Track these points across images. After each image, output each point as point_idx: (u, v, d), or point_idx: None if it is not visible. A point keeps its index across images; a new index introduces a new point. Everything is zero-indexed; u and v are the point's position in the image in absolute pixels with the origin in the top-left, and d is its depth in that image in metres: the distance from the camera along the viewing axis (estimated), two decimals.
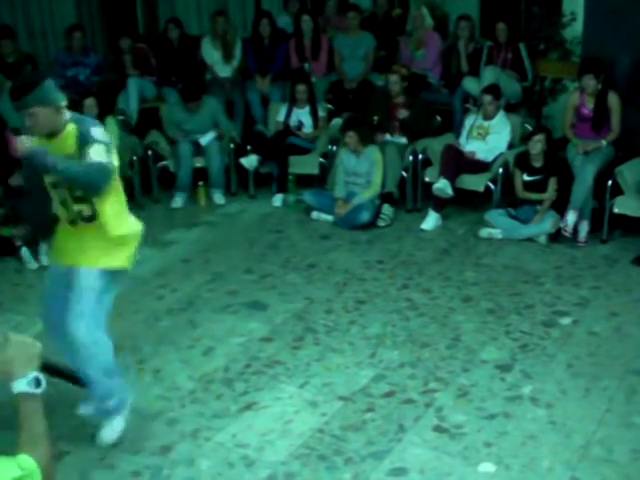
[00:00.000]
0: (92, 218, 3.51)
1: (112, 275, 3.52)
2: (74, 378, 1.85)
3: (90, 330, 3.41)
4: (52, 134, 3.37)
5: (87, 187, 3.35)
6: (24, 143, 3.29)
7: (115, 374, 3.57)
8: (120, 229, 3.56)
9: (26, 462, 1.57)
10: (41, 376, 1.71)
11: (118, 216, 3.59)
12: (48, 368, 1.76)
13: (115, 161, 3.42)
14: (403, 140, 6.75)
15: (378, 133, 6.69)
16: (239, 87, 7.76)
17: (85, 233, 3.53)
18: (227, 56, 7.75)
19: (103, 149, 3.29)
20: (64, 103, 3.36)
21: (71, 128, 3.36)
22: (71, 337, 3.40)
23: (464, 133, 6.56)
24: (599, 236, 5.87)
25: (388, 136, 6.74)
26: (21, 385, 1.67)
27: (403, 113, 6.74)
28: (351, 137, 6.32)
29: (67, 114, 3.38)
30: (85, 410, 3.62)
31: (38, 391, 1.69)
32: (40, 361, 1.74)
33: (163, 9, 9.16)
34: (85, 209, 3.50)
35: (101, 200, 3.45)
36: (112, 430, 3.60)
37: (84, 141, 3.29)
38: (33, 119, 3.30)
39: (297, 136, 7.03)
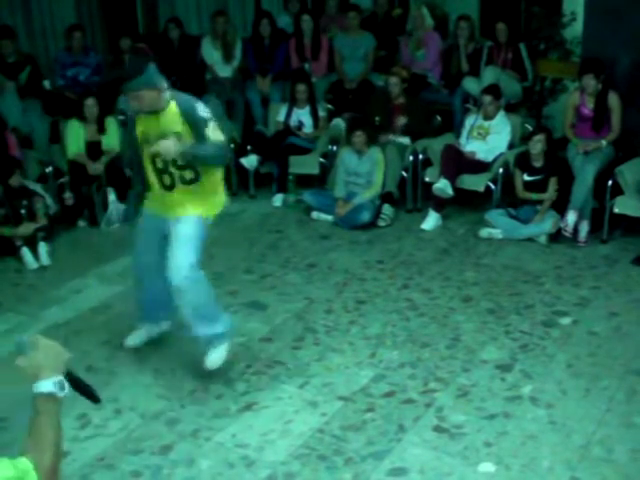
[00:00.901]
0: (193, 181, 3.89)
1: (205, 223, 3.93)
2: (92, 394, 1.88)
3: (193, 270, 3.83)
4: (155, 112, 3.77)
5: (215, 164, 3.87)
6: (171, 146, 3.69)
7: (216, 308, 3.99)
8: (217, 189, 4.00)
9: (22, 463, 1.57)
10: (65, 382, 1.74)
11: (219, 182, 4.00)
12: (71, 379, 1.78)
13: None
14: (406, 141, 6.75)
15: (382, 134, 6.69)
16: (239, 87, 7.76)
17: (184, 193, 3.90)
18: (227, 56, 7.75)
19: (215, 126, 3.74)
20: (165, 85, 3.77)
21: (173, 105, 3.77)
22: (173, 279, 3.81)
23: (464, 133, 6.56)
24: (599, 236, 5.87)
25: (391, 136, 6.73)
26: (47, 385, 1.69)
27: (402, 120, 6.74)
28: (359, 136, 6.32)
29: (167, 93, 3.78)
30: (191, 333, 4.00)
31: (61, 394, 1.71)
32: (66, 370, 1.76)
33: (163, 9, 9.15)
34: (187, 173, 3.88)
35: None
36: (217, 356, 3.99)
37: (191, 119, 3.72)
38: (139, 100, 3.71)
39: (297, 136, 7.03)
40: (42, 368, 1.72)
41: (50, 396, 1.69)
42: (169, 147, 3.68)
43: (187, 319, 3.96)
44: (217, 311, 4.01)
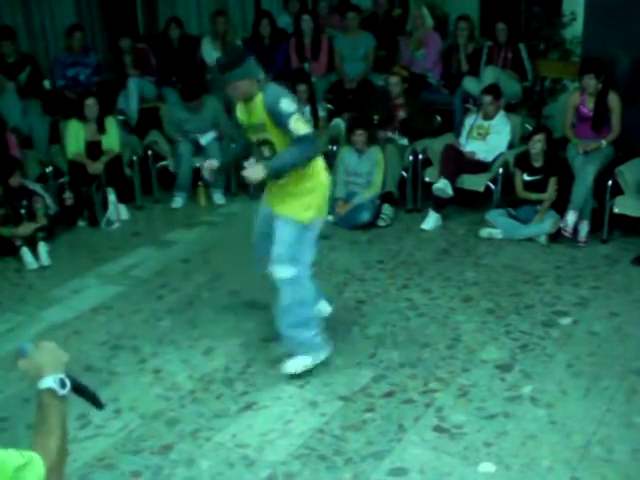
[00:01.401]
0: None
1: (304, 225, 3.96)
2: (95, 399, 1.92)
3: (285, 269, 3.95)
4: (246, 100, 3.92)
5: (304, 163, 3.87)
6: (255, 173, 3.83)
7: (308, 316, 4.06)
8: (311, 180, 3.97)
9: (27, 452, 1.62)
10: (67, 379, 1.80)
11: (305, 177, 3.96)
12: (74, 382, 1.84)
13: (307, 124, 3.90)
14: (404, 141, 6.75)
15: (380, 130, 6.69)
16: None
17: (284, 186, 3.97)
18: None
19: (298, 118, 3.78)
20: (262, 76, 3.97)
21: (260, 96, 3.86)
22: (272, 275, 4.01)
23: (464, 133, 6.56)
24: (599, 236, 5.87)
25: (390, 133, 6.73)
26: (48, 381, 1.76)
27: (402, 114, 6.74)
28: (360, 135, 6.32)
29: (260, 83, 3.95)
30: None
31: (62, 392, 1.78)
32: (67, 373, 1.83)
33: (163, 9, 9.15)
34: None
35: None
36: (296, 363, 4.06)
37: (273, 111, 3.78)
38: (235, 90, 3.88)
39: None
40: (43, 368, 1.79)
41: (52, 392, 1.76)
42: (253, 174, 3.83)
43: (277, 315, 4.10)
44: (308, 319, 4.05)
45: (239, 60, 3.87)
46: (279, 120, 3.79)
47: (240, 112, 4.06)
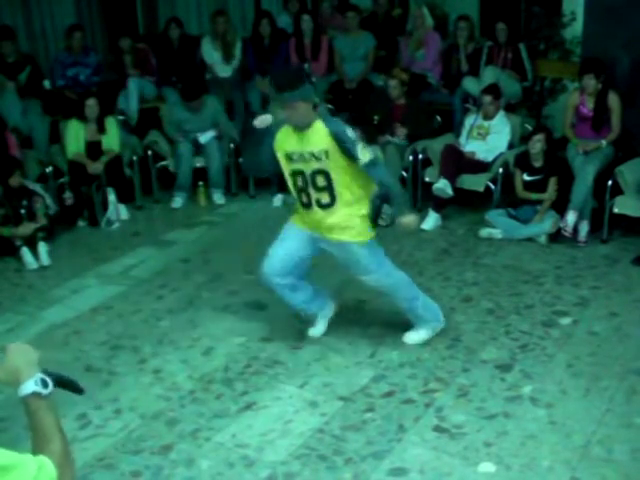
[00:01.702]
0: (329, 205, 3.97)
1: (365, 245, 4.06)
2: (74, 386, 1.86)
3: (382, 278, 4.20)
4: (302, 128, 3.86)
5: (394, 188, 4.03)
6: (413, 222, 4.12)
7: (419, 295, 4.34)
8: (360, 211, 4.03)
9: (38, 458, 1.57)
10: (47, 377, 1.73)
11: (358, 201, 4.01)
12: (50, 375, 1.77)
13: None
14: (403, 142, 6.75)
15: (380, 135, 6.68)
16: (239, 87, 7.76)
17: (324, 215, 4.01)
18: (227, 56, 7.75)
19: (364, 146, 3.84)
20: (318, 102, 3.93)
21: (320, 124, 3.83)
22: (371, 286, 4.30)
23: (464, 133, 6.56)
24: (599, 236, 5.87)
25: (389, 137, 6.73)
26: (29, 386, 1.69)
27: (402, 132, 6.72)
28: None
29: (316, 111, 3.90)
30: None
31: (47, 391, 1.71)
32: (41, 368, 1.75)
33: (163, 9, 9.16)
34: (324, 197, 3.96)
35: (343, 188, 3.94)
36: (416, 335, 4.41)
37: (341, 139, 3.78)
38: (293, 111, 3.79)
39: None
40: (19, 372, 1.71)
41: (36, 395, 1.69)
42: (413, 223, 4.05)
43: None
44: (418, 300, 4.32)
45: (300, 79, 3.82)
46: (347, 146, 3.78)
47: (285, 140, 3.96)
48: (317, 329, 4.55)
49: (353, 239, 4.02)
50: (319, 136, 3.83)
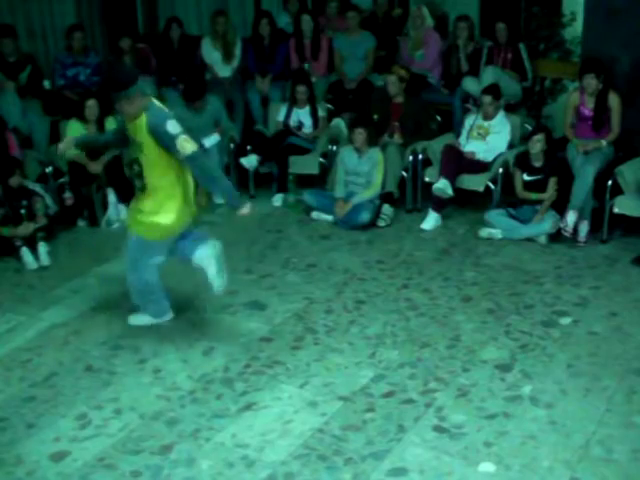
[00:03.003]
0: (143, 189, 4.22)
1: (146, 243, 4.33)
2: None
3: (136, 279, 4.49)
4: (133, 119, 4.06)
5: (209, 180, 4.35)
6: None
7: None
8: (164, 209, 4.26)
9: None
10: None
11: (168, 201, 4.27)
12: None
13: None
14: (399, 141, 6.75)
15: (379, 135, 6.68)
16: (239, 87, 7.76)
17: (136, 203, 4.34)
18: (227, 56, 7.75)
19: (185, 139, 3.98)
20: (145, 95, 4.06)
21: (143, 117, 4.00)
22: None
23: (464, 133, 6.56)
24: (599, 236, 5.87)
25: (387, 138, 6.73)
26: None
27: (397, 139, 6.73)
28: (360, 134, 6.32)
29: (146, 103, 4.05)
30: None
31: None
32: None
33: (163, 9, 9.16)
34: (137, 181, 4.22)
35: (154, 177, 4.15)
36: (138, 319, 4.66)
37: (157, 133, 3.97)
38: (120, 107, 4.05)
39: (297, 136, 7.03)
40: None
41: None
42: (248, 213, 4.33)
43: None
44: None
45: (134, 76, 4.08)
46: (163, 141, 3.98)
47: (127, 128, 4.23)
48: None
49: (136, 230, 4.34)
50: (140, 128, 4.04)
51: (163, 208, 4.21)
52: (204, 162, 4.24)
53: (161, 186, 4.17)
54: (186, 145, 3.95)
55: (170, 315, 4.71)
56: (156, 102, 4.12)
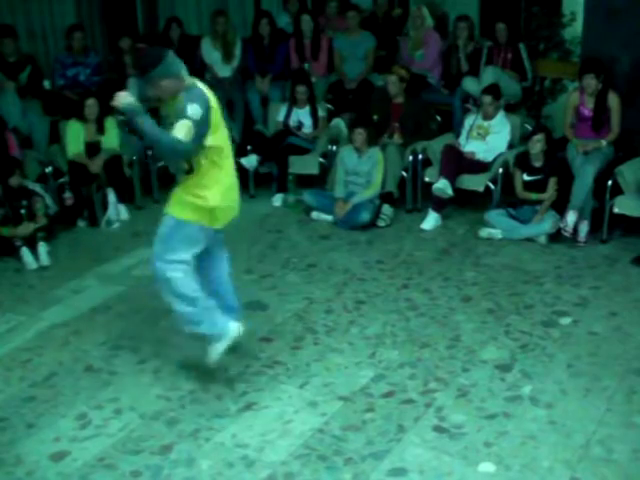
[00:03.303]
0: (188, 172, 3.92)
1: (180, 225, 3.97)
2: None
3: (163, 266, 3.95)
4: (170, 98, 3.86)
5: (162, 155, 4.02)
6: (122, 98, 3.83)
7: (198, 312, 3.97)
8: (204, 191, 3.91)
9: None
10: None
11: (209, 185, 3.91)
12: None
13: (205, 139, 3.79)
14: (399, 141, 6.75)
15: (380, 137, 6.68)
16: (239, 87, 7.76)
17: (179, 187, 4.02)
18: (227, 56, 7.75)
19: (184, 125, 3.67)
20: (182, 75, 3.81)
21: (181, 97, 3.78)
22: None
23: (464, 133, 6.56)
24: (599, 236, 5.87)
25: (387, 139, 6.73)
26: None
27: (397, 139, 6.73)
28: (360, 134, 6.33)
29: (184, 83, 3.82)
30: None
31: None
32: None
33: (163, 9, 9.16)
34: (183, 164, 3.92)
35: (197, 160, 3.86)
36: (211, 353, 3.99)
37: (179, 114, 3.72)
38: (157, 89, 3.83)
39: (297, 136, 7.04)
40: None
41: None
42: (121, 96, 3.85)
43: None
44: (199, 315, 3.96)
45: (158, 57, 3.81)
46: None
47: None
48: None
49: (172, 211, 4.01)
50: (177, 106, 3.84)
51: (208, 188, 3.94)
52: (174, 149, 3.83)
53: (204, 168, 3.90)
54: (179, 129, 3.70)
55: (233, 329, 4.00)
56: (200, 85, 3.87)
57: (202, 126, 3.74)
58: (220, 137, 3.90)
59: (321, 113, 7.17)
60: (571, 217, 5.73)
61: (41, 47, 8.24)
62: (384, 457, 3.45)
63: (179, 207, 3.99)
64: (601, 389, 3.94)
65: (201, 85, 3.87)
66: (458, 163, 6.29)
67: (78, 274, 5.52)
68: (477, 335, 4.53)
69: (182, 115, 3.69)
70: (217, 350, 3.95)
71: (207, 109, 3.76)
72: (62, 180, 6.59)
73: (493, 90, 6.49)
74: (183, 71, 3.82)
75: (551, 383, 4.01)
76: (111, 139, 6.62)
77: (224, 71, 7.76)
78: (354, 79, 7.63)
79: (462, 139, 6.54)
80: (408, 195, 6.65)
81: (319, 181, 6.96)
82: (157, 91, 3.87)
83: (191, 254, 3.99)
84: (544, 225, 5.86)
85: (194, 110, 3.70)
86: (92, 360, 4.34)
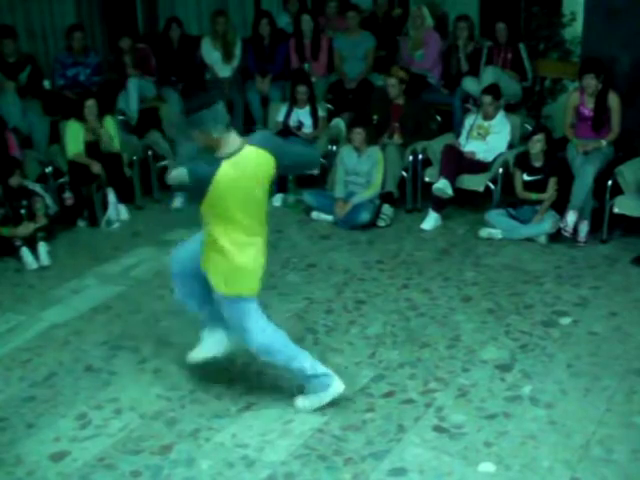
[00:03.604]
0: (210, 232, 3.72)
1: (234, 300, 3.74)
2: None
3: (256, 342, 3.81)
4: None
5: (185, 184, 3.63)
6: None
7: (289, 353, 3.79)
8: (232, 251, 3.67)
9: None
10: None
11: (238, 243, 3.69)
12: None
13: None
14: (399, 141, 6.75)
15: (380, 137, 6.68)
16: (239, 87, 7.76)
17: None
18: (227, 56, 7.75)
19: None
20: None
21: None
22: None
23: (464, 133, 6.56)
24: (599, 236, 5.87)
25: (387, 139, 6.73)
26: None
27: (397, 139, 6.73)
28: (359, 134, 6.33)
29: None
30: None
31: None
32: None
33: (163, 9, 9.15)
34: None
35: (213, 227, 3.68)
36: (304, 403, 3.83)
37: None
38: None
39: (297, 136, 7.03)
40: None
41: None
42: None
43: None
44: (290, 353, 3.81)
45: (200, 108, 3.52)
46: None
47: None
48: (195, 352, 4.06)
49: (216, 282, 3.67)
50: None
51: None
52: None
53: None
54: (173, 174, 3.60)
55: (337, 387, 3.80)
56: (232, 159, 3.52)
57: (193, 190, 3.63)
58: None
59: (321, 113, 7.17)
60: (571, 217, 5.73)
61: (41, 47, 8.23)
62: (384, 457, 3.45)
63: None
64: (601, 389, 3.94)
65: (234, 159, 3.50)
66: (458, 163, 6.29)
67: (78, 274, 5.52)
68: (477, 335, 4.53)
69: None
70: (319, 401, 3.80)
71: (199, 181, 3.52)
72: (62, 180, 6.59)
73: (493, 90, 6.48)
74: (219, 131, 3.50)
75: (551, 383, 4.01)
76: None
77: (224, 71, 7.76)
78: (354, 79, 7.63)
79: (462, 139, 6.54)
80: (408, 195, 6.65)
81: (319, 181, 6.96)
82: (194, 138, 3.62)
83: None
84: (544, 225, 5.86)
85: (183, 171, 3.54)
86: (92, 360, 4.34)
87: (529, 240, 5.89)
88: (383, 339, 4.50)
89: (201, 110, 3.47)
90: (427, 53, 7.55)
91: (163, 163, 7.04)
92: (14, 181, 5.87)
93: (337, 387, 3.77)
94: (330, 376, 3.78)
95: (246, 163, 3.52)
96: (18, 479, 3.37)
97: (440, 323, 4.69)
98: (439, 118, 7.34)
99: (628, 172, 5.77)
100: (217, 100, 3.56)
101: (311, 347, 4.42)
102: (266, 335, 3.75)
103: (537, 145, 5.85)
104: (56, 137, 6.97)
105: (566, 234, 5.79)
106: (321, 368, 3.77)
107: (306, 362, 3.75)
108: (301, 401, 3.83)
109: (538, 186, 5.92)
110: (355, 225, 6.24)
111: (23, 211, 5.81)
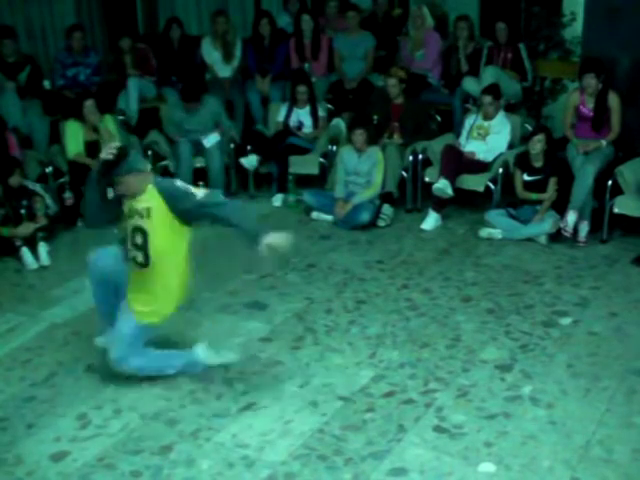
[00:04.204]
0: (143, 266, 3.87)
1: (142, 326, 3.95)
2: None
3: (123, 360, 3.96)
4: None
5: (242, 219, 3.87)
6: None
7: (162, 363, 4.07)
8: (168, 293, 4.03)
9: None
10: None
11: (173, 285, 4.04)
12: None
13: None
14: (399, 141, 6.75)
15: (380, 137, 6.68)
16: (239, 87, 7.76)
17: (135, 277, 3.97)
18: (227, 56, 7.76)
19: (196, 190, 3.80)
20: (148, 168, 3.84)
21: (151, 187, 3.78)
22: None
23: (464, 133, 6.56)
24: (599, 236, 5.87)
25: (387, 139, 6.73)
26: None
27: (397, 139, 6.73)
28: (360, 134, 6.32)
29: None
30: None
31: None
32: None
33: (163, 9, 9.16)
34: (139, 255, 3.86)
35: (157, 254, 3.85)
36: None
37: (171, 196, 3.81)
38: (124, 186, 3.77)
39: (297, 136, 7.03)
40: None
41: None
42: (281, 242, 3.70)
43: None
44: (163, 362, 4.07)
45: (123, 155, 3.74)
46: (178, 200, 3.74)
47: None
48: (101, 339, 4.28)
49: (133, 309, 3.92)
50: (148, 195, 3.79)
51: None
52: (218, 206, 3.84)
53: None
54: (198, 191, 3.74)
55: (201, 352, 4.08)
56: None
57: None
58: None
59: (321, 113, 7.18)
60: (571, 217, 5.73)
61: (41, 47, 8.24)
62: (384, 457, 3.45)
63: None
64: (601, 389, 3.94)
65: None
66: (458, 163, 6.29)
67: (78, 274, 5.49)
68: (477, 335, 4.53)
69: (185, 189, 3.81)
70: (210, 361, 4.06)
71: None
72: (62, 180, 6.59)
73: (493, 90, 6.49)
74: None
75: (551, 383, 4.01)
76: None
77: (224, 71, 7.76)
78: (354, 79, 7.63)
79: (462, 139, 6.54)
80: (408, 195, 6.65)
81: (319, 181, 6.96)
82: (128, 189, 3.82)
83: None
84: (544, 225, 5.86)
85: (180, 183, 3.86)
86: (92, 360, 4.34)
87: (529, 240, 5.89)
88: (383, 339, 4.50)
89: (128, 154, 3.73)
90: (427, 53, 7.55)
91: (163, 163, 7.05)
92: (14, 181, 5.87)
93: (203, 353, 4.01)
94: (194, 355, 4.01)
95: None
96: (18, 479, 3.37)
97: (440, 323, 4.69)
98: (439, 118, 7.34)
99: (628, 172, 5.77)
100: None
101: (311, 347, 4.43)
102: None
103: (537, 145, 5.85)
104: (56, 137, 6.96)
105: (566, 234, 5.79)
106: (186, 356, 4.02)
107: (177, 362, 4.04)
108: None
109: (538, 186, 5.92)
110: (355, 225, 6.24)
111: (23, 211, 5.80)
